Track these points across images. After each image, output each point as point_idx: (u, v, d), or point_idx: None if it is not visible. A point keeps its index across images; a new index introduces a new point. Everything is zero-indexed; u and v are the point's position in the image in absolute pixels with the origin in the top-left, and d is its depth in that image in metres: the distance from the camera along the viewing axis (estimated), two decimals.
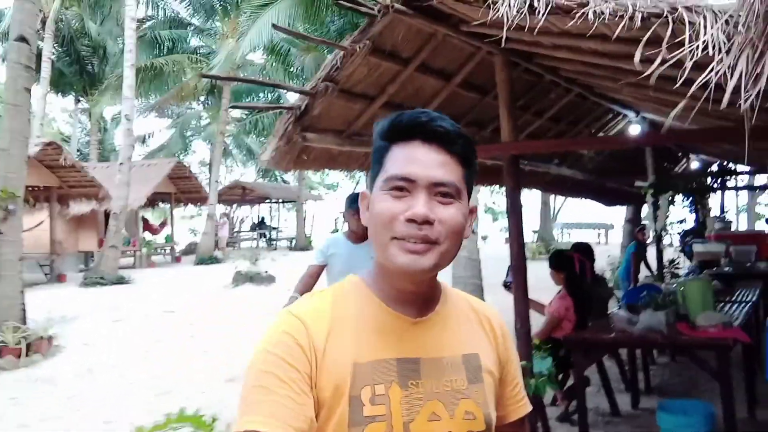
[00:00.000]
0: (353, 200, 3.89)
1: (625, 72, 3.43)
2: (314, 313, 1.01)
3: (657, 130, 6.10)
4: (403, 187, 0.97)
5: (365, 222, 1.05)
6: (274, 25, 3.24)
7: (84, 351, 8.01)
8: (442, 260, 0.98)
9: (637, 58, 2.16)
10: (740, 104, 1.95)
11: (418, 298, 1.04)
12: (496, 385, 1.09)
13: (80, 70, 23.43)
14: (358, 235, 3.91)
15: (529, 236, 25.28)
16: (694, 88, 2.02)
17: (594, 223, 31.84)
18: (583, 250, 5.34)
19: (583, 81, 4.65)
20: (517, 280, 3.95)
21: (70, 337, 8.60)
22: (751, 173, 8.37)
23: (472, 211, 1.04)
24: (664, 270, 8.40)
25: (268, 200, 30.51)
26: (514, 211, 3.99)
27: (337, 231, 30.29)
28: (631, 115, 6.09)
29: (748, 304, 5.14)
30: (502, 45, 3.56)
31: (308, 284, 3.96)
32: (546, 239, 24.89)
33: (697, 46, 2.12)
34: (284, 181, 32.57)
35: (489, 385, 1.06)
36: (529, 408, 1.19)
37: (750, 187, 8.95)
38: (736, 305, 5.10)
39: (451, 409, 0.99)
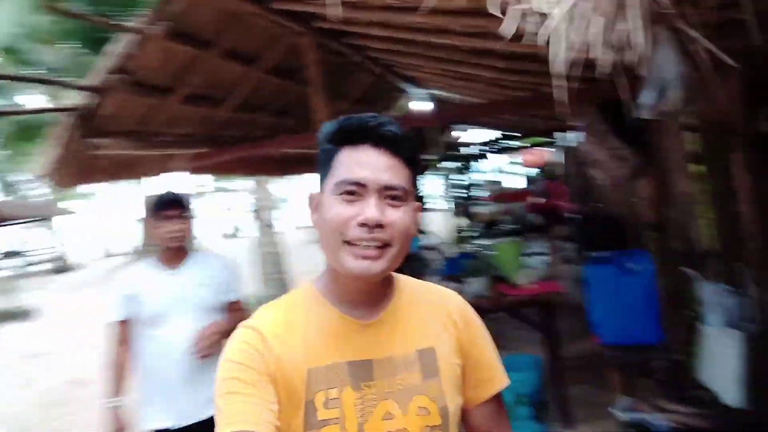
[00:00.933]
0: (163, 203, 2.56)
1: (436, 47, 3.44)
2: (269, 322, 1.03)
3: (443, 105, 6.45)
4: (355, 191, 0.98)
5: (314, 224, 1.03)
6: (49, 6, 2.53)
7: None
8: (392, 263, 1.00)
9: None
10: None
11: (370, 298, 1.06)
12: (460, 373, 1.09)
13: None
14: (172, 253, 2.61)
15: None
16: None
17: None
18: None
19: (386, 60, 4.63)
20: None
21: None
22: (521, 138, 9.37)
23: (417, 209, 1.05)
24: (457, 235, 9.00)
25: (10, 222, 25.93)
26: None
27: (110, 252, 26.86)
28: (422, 92, 6.32)
29: (544, 255, 5.68)
30: (321, 24, 3.33)
31: (120, 359, 2.63)
32: None
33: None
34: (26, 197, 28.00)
35: (448, 376, 1.06)
36: (503, 383, 1.15)
37: (510, 149, 10.07)
38: (535, 258, 5.59)
39: (404, 407, 1.01)
